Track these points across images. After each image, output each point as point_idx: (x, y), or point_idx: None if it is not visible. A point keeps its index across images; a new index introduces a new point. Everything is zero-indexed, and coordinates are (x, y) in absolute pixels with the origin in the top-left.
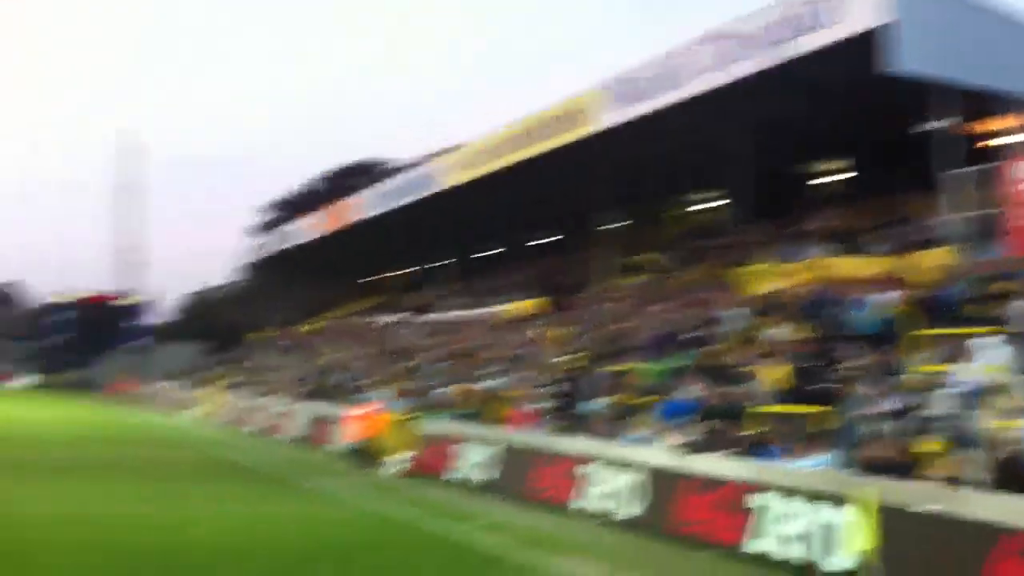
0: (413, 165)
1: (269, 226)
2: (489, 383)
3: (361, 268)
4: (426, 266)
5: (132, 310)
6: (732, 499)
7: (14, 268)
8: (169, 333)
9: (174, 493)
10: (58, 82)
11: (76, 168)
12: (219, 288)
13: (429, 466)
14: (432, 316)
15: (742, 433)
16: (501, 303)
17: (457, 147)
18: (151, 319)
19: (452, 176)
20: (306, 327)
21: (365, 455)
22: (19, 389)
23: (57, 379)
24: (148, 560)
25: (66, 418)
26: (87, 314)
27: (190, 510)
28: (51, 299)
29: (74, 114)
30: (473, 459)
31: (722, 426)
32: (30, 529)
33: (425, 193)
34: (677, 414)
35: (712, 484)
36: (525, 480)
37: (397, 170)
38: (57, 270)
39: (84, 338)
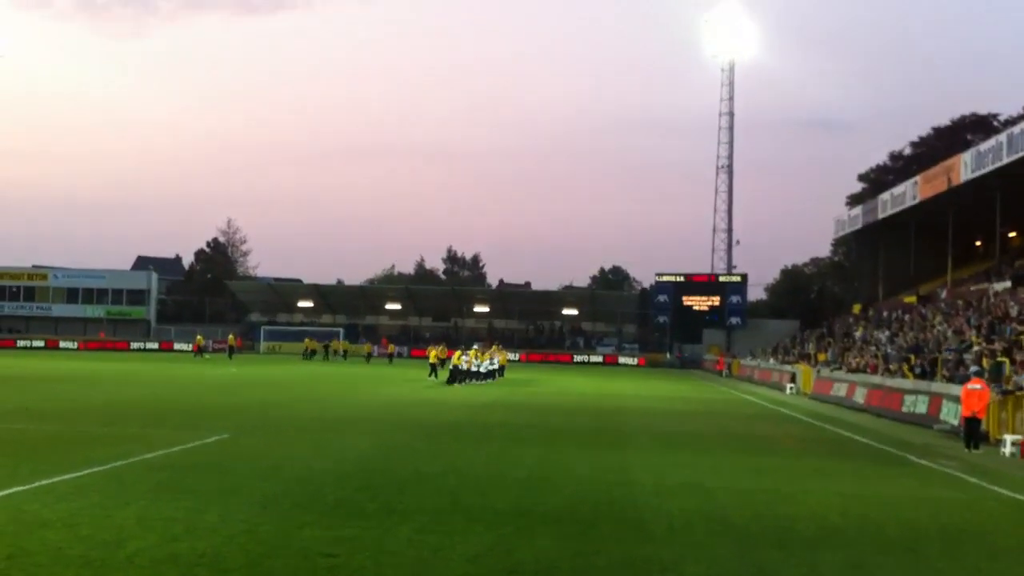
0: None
1: (867, 195)
2: None
3: (967, 232)
4: None
5: (729, 288)
6: None
7: (619, 253)
8: (761, 310)
9: (780, 467)
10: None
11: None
12: (812, 262)
13: None
14: None
15: None
16: None
17: None
18: (745, 297)
19: None
20: (907, 297)
21: (976, 433)
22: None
23: (659, 357)
24: (757, 533)
25: (669, 394)
26: (689, 293)
27: (796, 484)
28: (656, 279)
29: None
30: None
31: None
32: (644, 497)
33: None
34: None
35: None
36: None
37: (1009, 122)
38: (644, 253)
39: (684, 317)
